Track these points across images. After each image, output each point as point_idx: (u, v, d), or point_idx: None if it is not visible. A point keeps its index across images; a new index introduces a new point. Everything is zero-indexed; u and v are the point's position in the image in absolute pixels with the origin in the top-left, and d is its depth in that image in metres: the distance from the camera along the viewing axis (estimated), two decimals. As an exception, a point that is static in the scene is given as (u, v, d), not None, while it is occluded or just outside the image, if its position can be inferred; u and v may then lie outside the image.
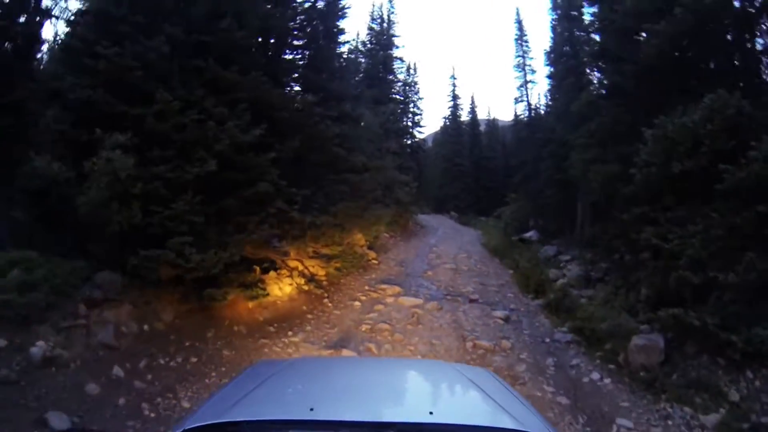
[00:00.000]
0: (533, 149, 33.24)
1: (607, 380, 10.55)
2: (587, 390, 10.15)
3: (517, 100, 38.39)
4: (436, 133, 61.19)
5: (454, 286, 17.93)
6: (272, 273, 13.34)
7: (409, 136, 41.48)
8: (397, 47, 38.37)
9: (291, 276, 14.33)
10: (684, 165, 11.34)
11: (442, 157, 54.52)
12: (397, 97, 39.81)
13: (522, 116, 38.86)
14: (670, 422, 8.85)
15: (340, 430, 1.97)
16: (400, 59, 38.85)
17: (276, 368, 3.20)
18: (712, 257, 10.54)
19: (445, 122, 56.44)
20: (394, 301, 15.03)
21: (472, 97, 75.44)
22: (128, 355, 8.87)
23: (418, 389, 2.99)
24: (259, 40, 13.12)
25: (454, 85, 55.98)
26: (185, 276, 9.61)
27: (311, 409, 2.12)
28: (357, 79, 32.95)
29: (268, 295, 11.84)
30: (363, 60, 37.90)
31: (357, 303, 14.67)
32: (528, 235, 29.15)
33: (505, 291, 18.38)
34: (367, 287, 16.63)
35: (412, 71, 44.80)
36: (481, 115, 62.16)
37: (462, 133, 56.14)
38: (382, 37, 38.37)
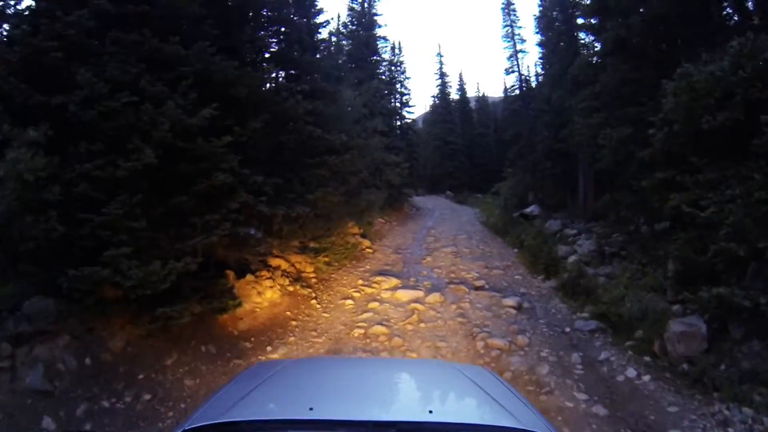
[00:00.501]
0: (528, 121, 31.53)
1: (645, 377, 8.76)
2: (625, 392, 8.32)
3: (507, 71, 36.25)
4: (426, 114, 59.48)
5: (457, 272, 16.12)
6: (249, 277, 11.59)
7: (398, 117, 39.45)
8: (380, 26, 36.21)
9: (273, 277, 12.55)
10: (715, 119, 9.51)
11: (434, 137, 52.82)
12: (383, 77, 37.64)
13: (514, 87, 36.85)
14: (730, 430, 7.04)
15: (339, 429, 1.94)
16: (384, 38, 36.74)
17: (275, 368, 3.11)
18: (758, 225, 8.75)
19: (434, 101, 54.75)
20: (391, 296, 13.22)
21: (461, 74, 73.90)
22: (64, 400, 7.00)
23: (417, 388, 2.93)
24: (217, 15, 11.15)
25: (441, 63, 54.39)
26: (131, 295, 7.67)
27: (311, 409, 2.09)
28: (340, 61, 31.12)
29: (240, 304, 9.90)
30: (345, 42, 35.85)
31: (349, 302, 12.84)
32: (529, 210, 27.31)
33: (512, 273, 16.61)
34: (360, 281, 14.82)
35: (397, 51, 43.01)
36: (471, 91, 60.87)
37: (452, 111, 54.46)
38: (363, 18, 36.19)
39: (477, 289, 14.25)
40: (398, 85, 41.38)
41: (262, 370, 3.24)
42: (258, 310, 11.23)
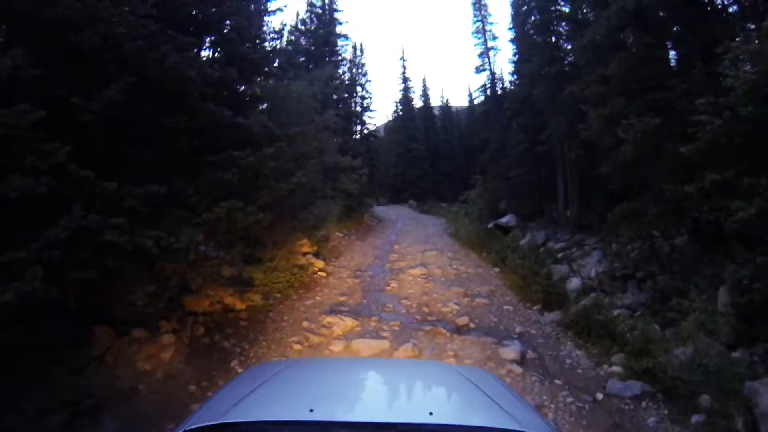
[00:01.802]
0: (500, 123, 27.86)
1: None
2: None
3: (478, 70, 32.61)
4: (388, 123, 55.77)
5: (431, 304, 12.20)
6: (138, 332, 7.61)
7: (358, 121, 35.51)
8: (340, 23, 32.20)
9: (180, 329, 8.54)
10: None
11: (396, 143, 49.16)
12: (343, 78, 33.59)
13: (485, 86, 33.01)
14: None
15: (339, 431, 1.92)
16: (345, 36, 32.58)
17: (275, 369, 2.95)
18: None
19: (396, 107, 50.97)
20: (345, 349, 9.24)
21: (424, 80, 70.04)
22: None
23: (417, 390, 2.81)
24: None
25: (404, 67, 50.87)
26: None
27: (311, 410, 2.03)
28: (298, 61, 27.26)
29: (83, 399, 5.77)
30: (304, 40, 31.73)
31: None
32: (504, 220, 23.63)
33: (498, 302, 12.74)
34: (306, 322, 10.80)
35: (358, 52, 39.05)
36: (435, 99, 57.33)
37: (415, 117, 50.85)
38: (323, 14, 32.14)
39: (460, 330, 10.38)
40: (359, 88, 37.50)
41: (262, 371, 3.02)
42: (142, 387, 7.13)
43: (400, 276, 15.25)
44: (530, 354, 9.23)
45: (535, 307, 12.20)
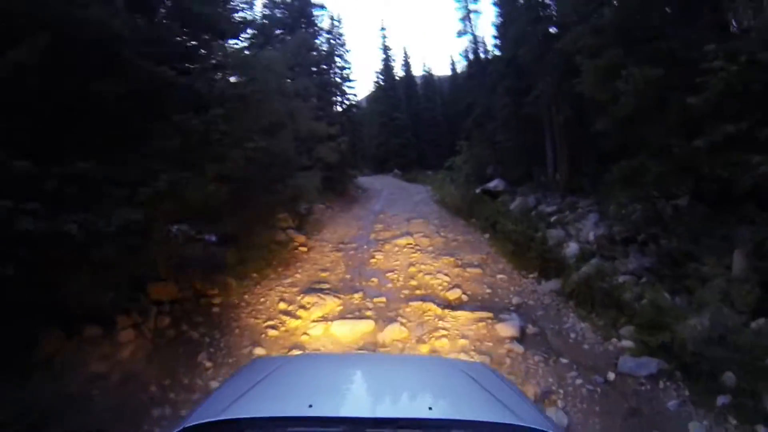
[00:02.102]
0: (484, 88, 26.72)
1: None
2: None
3: (460, 33, 31.41)
4: (370, 94, 54.30)
5: (419, 277, 11.22)
6: (92, 329, 6.72)
7: (338, 92, 34.16)
8: None
9: (142, 322, 7.57)
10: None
11: (378, 113, 47.63)
12: (321, 50, 32.04)
13: (468, 51, 31.80)
14: None
15: (339, 426, 1.88)
16: (321, 6, 30.91)
17: (274, 365, 2.91)
18: None
19: (377, 77, 49.27)
20: (325, 333, 8.32)
21: (405, 50, 68.21)
22: None
23: (417, 385, 2.66)
24: None
25: (384, 37, 49.21)
26: None
27: (310, 406, 2.01)
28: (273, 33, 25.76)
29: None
30: (279, 12, 30.03)
31: (259, 350, 7.81)
32: (492, 185, 22.65)
33: (492, 271, 11.78)
34: (283, 304, 9.81)
35: (336, 23, 37.52)
36: (416, 68, 56.00)
37: (396, 86, 49.35)
38: None
39: (452, 305, 9.41)
40: (338, 59, 36.05)
41: (261, 367, 2.95)
42: (96, 392, 6.12)
43: (385, 247, 14.24)
44: (530, 329, 8.31)
45: (531, 276, 11.28)
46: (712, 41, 8.36)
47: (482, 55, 29.84)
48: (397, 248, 13.96)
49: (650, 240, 11.05)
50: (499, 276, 11.33)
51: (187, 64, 7.24)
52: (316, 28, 31.09)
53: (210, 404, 2.34)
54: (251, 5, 11.73)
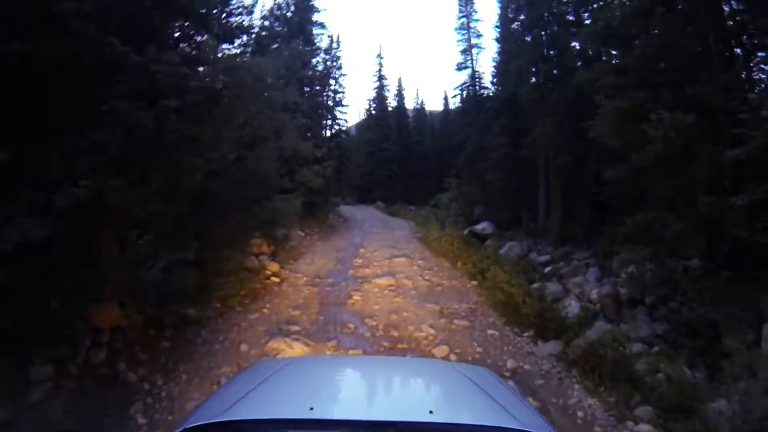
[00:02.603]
0: (479, 125, 25.70)
1: None
2: None
3: (459, 67, 30.12)
4: (361, 122, 53.27)
5: (401, 326, 9.91)
6: None
7: (329, 115, 33.03)
8: (318, 11, 29.31)
9: (65, 358, 6.22)
10: None
11: (367, 142, 46.57)
12: (317, 69, 30.85)
13: (466, 85, 30.51)
14: None
15: (339, 429, 1.86)
16: (321, 25, 29.72)
17: (276, 367, 2.84)
18: None
19: (369, 105, 48.40)
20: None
21: (400, 80, 66.98)
22: None
23: (417, 388, 2.76)
24: None
25: (380, 65, 48.53)
26: None
27: (311, 409, 2.00)
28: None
29: None
30: (278, 26, 28.81)
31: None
32: (480, 227, 21.46)
33: (482, 324, 10.54)
34: (245, 345, 8.54)
35: (335, 44, 36.59)
36: (409, 100, 55.36)
37: (388, 116, 48.37)
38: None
39: (439, 365, 7.97)
40: (333, 81, 35.04)
41: (262, 369, 2.95)
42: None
43: (364, 286, 12.91)
44: (531, 403, 6.97)
45: (526, 334, 9.98)
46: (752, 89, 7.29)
47: (480, 91, 28.76)
48: (377, 289, 12.65)
49: (660, 303, 9.85)
50: (490, 332, 10.02)
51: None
52: (313, 46, 29.90)
53: (211, 405, 2.29)
54: (251, 12, 10.63)
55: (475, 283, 14.06)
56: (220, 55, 8.58)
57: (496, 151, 22.16)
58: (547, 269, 14.57)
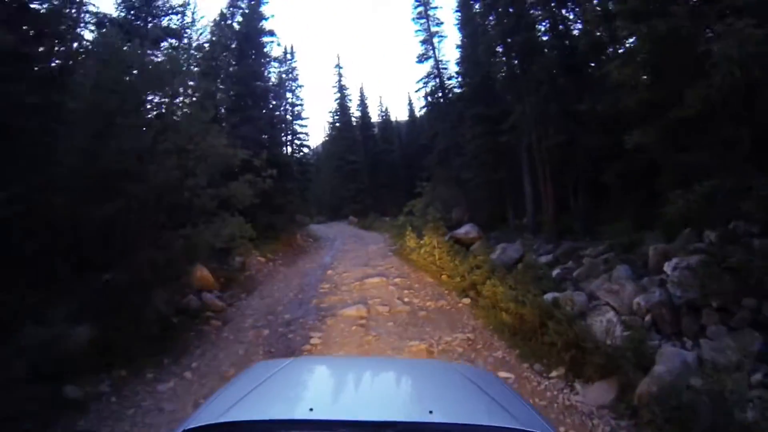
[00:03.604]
0: (449, 118, 22.68)
1: None
2: None
3: (420, 59, 26.96)
4: (326, 139, 50.14)
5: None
6: None
7: (289, 131, 29.89)
8: (266, 18, 25.82)
9: None
10: None
11: (332, 155, 43.39)
12: (270, 83, 27.60)
13: (430, 76, 27.27)
14: None
15: (339, 429, 1.75)
16: (271, 33, 26.21)
17: (275, 368, 2.66)
18: None
19: (333, 117, 45.21)
20: None
21: (362, 89, 63.26)
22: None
23: (418, 389, 2.53)
24: None
25: (340, 75, 45.31)
26: None
27: (311, 409, 1.91)
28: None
29: None
30: (227, 38, 25.36)
31: None
32: (462, 231, 18.27)
33: (488, 364, 7.49)
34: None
35: (288, 55, 33.42)
36: (373, 108, 52.25)
37: (352, 128, 45.27)
38: (245, 7, 25.83)
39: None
40: (289, 94, 31.84)
41: (262, 370, 2.72)
42: None
43: (328, 322, 9.75)
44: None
45: (554, 374, 6.85)
46: None
47: (446, 82, 25.68)
48: (344, 324, 9.51)
49: (732, 303, 6.78)
50: (503, 375, 6.86)
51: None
52: (265, 58, 26.54)
53: (211, 407, 2.14)
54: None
55: (467, 301, 10.94)
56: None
57: (471, 143, 19.13)
58: (555, 272, 11.41)
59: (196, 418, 1.95)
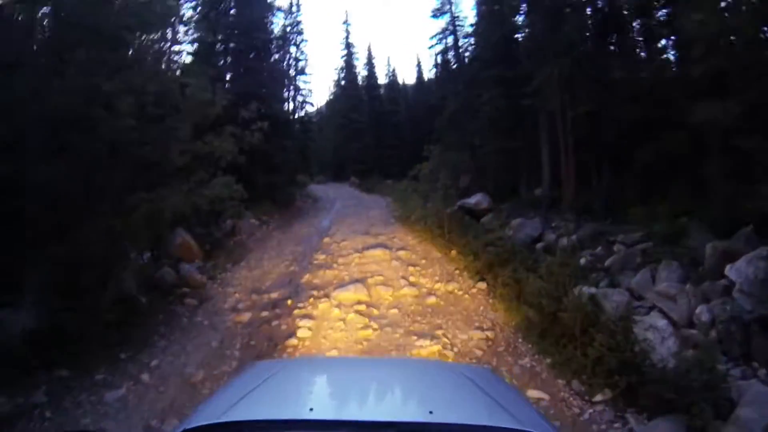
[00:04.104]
0: (463, 78, 20.81)
1: None
2: None
3: (435, 14, 24.56)
4: (330, 99, 48.00)
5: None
6: None
7: (291, 86, 28.04)
8: None
9: None
10: None
11: (336, 113, 41.50)
12: (273, 35, 25.64)
13: (446, 32, 24.89)
14: None
15: (339, 430, 1.69)
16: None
17: (275, 368, 2.69)
18: None
19: (338, 75, 43.06)
20: None
21: (369, 48, 60.78)
22: None
23: (417, 389, 2.42)
24: None
25: (347, 32, 42.75)
26: None
27: (311, 409, 1.87)
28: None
29: None
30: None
31: None
32: (473, 201, 16.68)
33: (513, 376, 5.85)
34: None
35: (294, 8, 31.41)
36: (380, 70, 49.75)
37: (358, 86, 43.10)
38: None
39: None
40: (293, 48, 29.82)
41: (262, 370, 2.70)
42: None
43: (320, 306, 8.24)
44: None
45: (599, 398, 5.35)
46: None
47: (462, 41, 23.53)
48: (339, 310, 8.05)
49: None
50: (534, 394, 5.38)
51: None
52: (268, 8, 24.52)
53: (210, 407, 2.13)
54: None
55: (482, 285, 9.38)
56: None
57: (487, 105, 17.37)
58: (582, 259, 9.82)
59: (196, 418, 1.85)
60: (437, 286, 9.52)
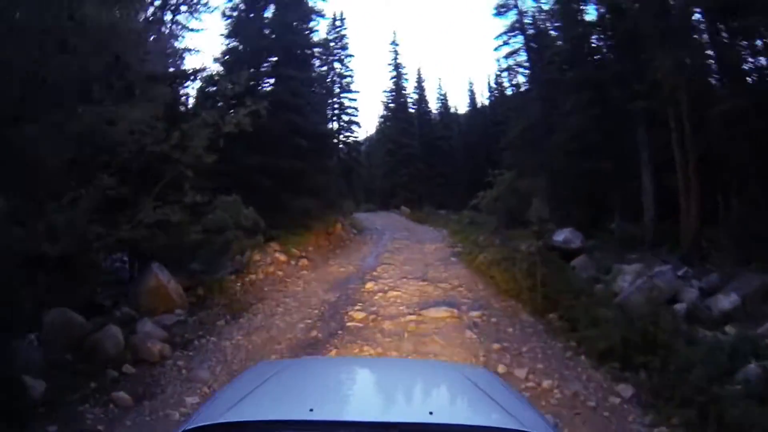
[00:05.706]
0: (537, 85, 16.79)
1: None
2: None
3: (499, 12, 20.25)
4: (379, 126, 44.67)
5: None
6: None
7: (335, 103, 24.57)
8: None
9: None
10: None
11: (385, 138, 38.02)
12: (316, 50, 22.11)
13: (514, 29, 20.54)
14: None
15: (339, 430, 1.64)
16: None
17: (276, 368, 2.62)
18: None
19: (387, 97, 39.47)
20: None
21: (419, 70, 57.17)
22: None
23: (418, 389, 2.39)
24: None
25: (396, 53, 38.90)
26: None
27: (311, 410, 1.73)
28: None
29: None
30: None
31: None
32: (560, 238, 12.38)
33: None
34: None
35: (338, 21, 28.32)
36: (431, 93, 46.19)
37: (408, 110, 39.49)
38: None
39: None
40: (338, 64, 26.55)
41: (263, 370, 2.68)
42: None
43: None
44: None
45: None
46: None
47: (532, 41, 19.28)
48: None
49: None
50: None
51: None
52: (308, 25, 20.94)
53: (211, 407, 2.01)
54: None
55: (624, 389, 5.17)
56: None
57: (575, 116, 13.27)
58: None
59: (196, 418, 1.80)
60: (546, 384, 5.40)
